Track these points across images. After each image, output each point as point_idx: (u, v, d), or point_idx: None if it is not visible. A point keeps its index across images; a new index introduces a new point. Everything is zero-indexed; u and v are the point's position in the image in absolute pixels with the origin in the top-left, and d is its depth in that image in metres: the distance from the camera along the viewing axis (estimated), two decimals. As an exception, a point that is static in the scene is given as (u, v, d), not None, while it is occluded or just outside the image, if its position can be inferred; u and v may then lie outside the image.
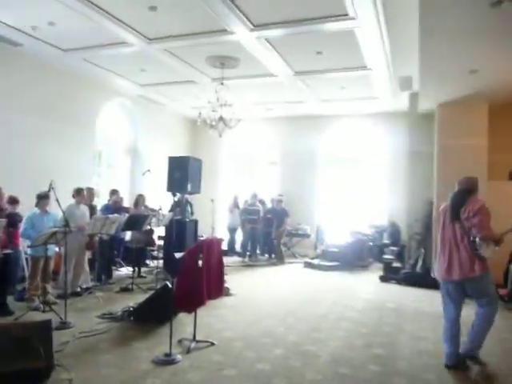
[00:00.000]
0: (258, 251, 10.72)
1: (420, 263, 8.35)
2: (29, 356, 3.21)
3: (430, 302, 6.60)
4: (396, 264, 8.59)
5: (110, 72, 8.76)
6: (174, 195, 7.15)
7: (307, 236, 11.01)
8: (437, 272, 4.31)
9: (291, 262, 10.15)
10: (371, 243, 10.13)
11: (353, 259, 9.59)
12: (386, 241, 10.16)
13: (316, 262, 9.63)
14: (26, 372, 3.16)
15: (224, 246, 10.54)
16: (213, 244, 4.11)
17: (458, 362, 3.86)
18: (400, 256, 9.19)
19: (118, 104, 10.43)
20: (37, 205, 5.55)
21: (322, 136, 11.83)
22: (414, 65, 6.67)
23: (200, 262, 3.87)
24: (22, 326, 3.53)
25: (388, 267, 8.53)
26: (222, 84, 8.07)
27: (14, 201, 5.66)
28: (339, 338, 4.65)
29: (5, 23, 6.43)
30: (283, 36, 6.70)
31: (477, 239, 3.81)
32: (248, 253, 10.42)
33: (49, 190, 4.92)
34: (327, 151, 11.97)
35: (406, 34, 6.40)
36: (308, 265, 9.61)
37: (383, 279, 8.21)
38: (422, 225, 8.67)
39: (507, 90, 7.26)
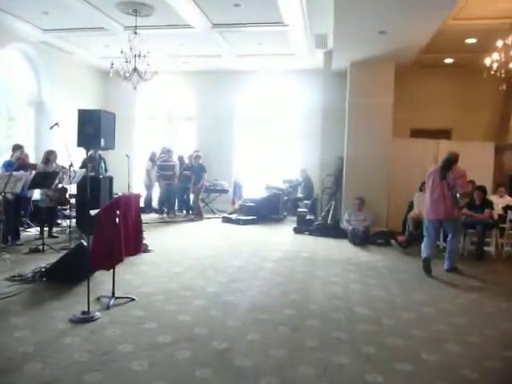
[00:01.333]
0: (176, 207, 10.67)
1: (331, 215, 8.90)
2: None
3: (340, 250, 7.14)
4: (309, 216, 9.07)
5: (6, 14, 7.82)
6: (87, 151, 6.75)
7: (225, 192, 11.14)
8: (426, 213, 5.91)
9: (210, 218, 10.28)
10: (286, 197, 10.54)
11: (268, 213, 9.96)
12: (299, 195, 10.63)
13: (234, 216, 9.85)
14: None
15: (141, 203, 10.38)
16: (130, 200, 4.01)
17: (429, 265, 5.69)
18: (313, 209, 9.70)
19: (17, 50, 9.40)
20: None
21: (240, 92, 11.77)
22: (330, 23, 6.81)
23: (117, 219, 3.78)
24: None
25: (301, 220, 8.98)
26: (136, 33, 7.61)
27: None
28: (257, 287, 4.89)
29: None
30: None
31: (457, 194, 5.55)
32: (165, 209, 10.34)
33: None
34: (244, 107, 11.98)
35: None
36: (226, 220, 9.80)
37: (297, 231, 8.66)
38: (333, 179, 9.18)
39: (412, 49, 7.70)
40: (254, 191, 10.99)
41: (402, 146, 8.66)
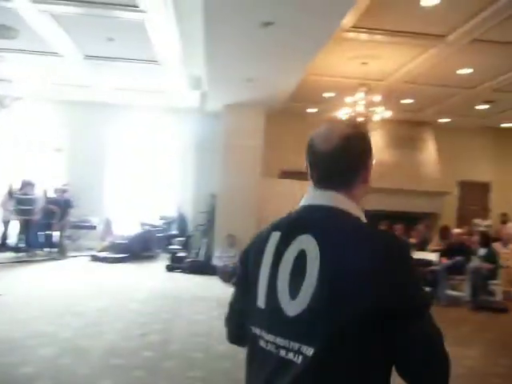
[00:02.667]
0: (37, 245, 9.75)
1: (203, 252, 8.97)
2: None
3: (208, 287, 7.20)
4: (182, 254, 9.02)
5: None
6: None
7: (93, 228, 10.54)
8: None
9: (76, 256, 9.58)
10: (160, 234, 10.36)
11: (140, 250, 9.67)
12: (173, 231, 10.54)
13: (103, 254, 9.34)
14: None
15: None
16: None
17: None
18: (186, 246, 9.68)
19: None
20: None
21: (113, 125, 11.37)
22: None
23: None
24: None
25: (174, 257, 8.88)
26: (-5, 55, 7.06)
27: None
28: (116, 330, 4.67)
29: None
30: (73, 15, 6.24)
31: None
32: (23, 247, 9.38)
33: None
34: (118, 142, 11.63)
35: (196, 36, 6.74)
36: (94, 258, 9.25)
37: (169, 268, 8.52)
38: (206, 216, 9.32)
39: (279, 98, 8.37)
40: (127, 228, 10.60)
41: (271, 185, 9.20)
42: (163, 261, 9.29)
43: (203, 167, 9.51)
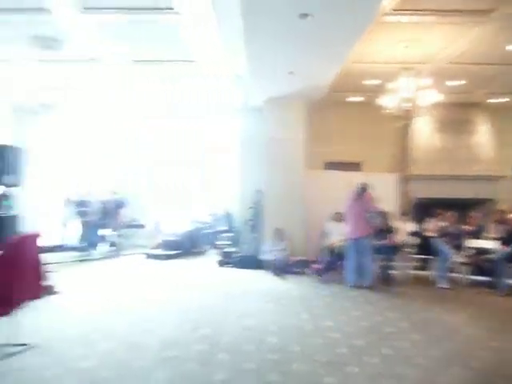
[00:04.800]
0: (95, 244, 10.23)
1: (252, 247, 9.06)
2: None
3: (258, 280, 7.27)
4: (231, 249, 9.16)
5: None
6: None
7: (143, 227, 10.94)
8: (348, 234, 7.00)
9: (130, 254, 9.98)
10: (209, 230, 10.58)
11: (190, 247, 9.93)
12: (221, 227, 10.71)
13: (155, 252, 9.67)
14: None
15: (58, 241, 9.87)
16: (26, 240, 3.82)
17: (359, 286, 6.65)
18: (234, 241, 9.81)
19: None
20: None
21: (158, 127, 11.70)
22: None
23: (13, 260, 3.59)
24: None
25: (223, 252, 9.05)
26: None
27: None
28: (169, 323, 4.82)
29: None
30: (115, 22, 6.47)
31: (371, 214, 6.94)
32: (83, 246, 9.88)
33: None
34: (166, 142, 11.89)
35: (235, 33, 6.79)
36: (148, 255, 9.60)
37: (220, 263, 8.69)
38: (254, 211, 9.40)
39: (320, 88, 8.25)
40: (177, 225, 10.88)
41: (316, 177, 9.11)
42: (212, 256, 9.48)
43: (249, 163, 9.58)
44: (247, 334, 4.49)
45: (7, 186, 6.51)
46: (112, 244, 10.08)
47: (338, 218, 7.78)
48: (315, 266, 7.68)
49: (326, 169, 10.32)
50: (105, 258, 9.56)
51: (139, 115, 11.32)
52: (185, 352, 3.95)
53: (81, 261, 9.17)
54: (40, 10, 6.05)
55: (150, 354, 3.90)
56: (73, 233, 10.23)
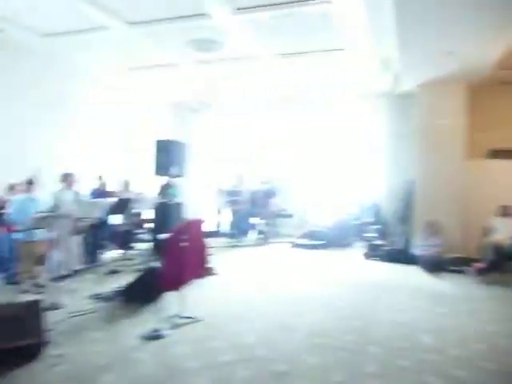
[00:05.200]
0: (245, 232, 10.90)
1: (401, 240, 8.62)
2: (20, 334, 3.37)
3: (408, 276, 6.90)
4: (378, 242, 8.85)
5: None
6: (164, 178, 7.29)
7: (290, 216, 11.22)
8: None
9: (277, 242, 10.37)
10: (355, 222, 10.37)
11: (337, 238, 9.86)
12: (368, 219, 10.40)
13: (302, 241, 9.87)
14: (18, 349, 3.33)
15: (213, 227, 10.80)
16: (192, 225, 4.25)
17: None
18: (381, 234, 9.45)
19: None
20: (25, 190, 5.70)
21: (304, 117, 11.83)
22: (395, 46, 6.77)
23: (181, 243, 4.02)
24: (12, 306, 3.69)
25: (371, 245, 8.79)
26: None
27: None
28: (320, 311, 4.88)
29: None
30: (267, 19, 6.71)
31: None
32: (235, 233, 10.61)
33: (32, 178, 5.06)
34: (312, 133, 12.00)
35: (385, 15, 6.49)
36: (294, 244, 9.86)
37: (367, 256, 8.48)
38: (403, 203, 8.91)
39: (484, 67, 7.39)
40: (323, 216, 10.93)
41: (478, 167, 8.24)
42: (358, 248, 9.29)
43: (398, 153, 9.11)
44: (399, 330, 4.30)
45: (172, 176, 7.29)
46: (260, 232, 10.60)
47: (505, 212, 6.92)
48: (478, 264, 6.96)
49: (488, 157, 9.23)
50: (254, 245, 10.12)
51: (289, 107, 11.60)
52: (335, 341, 3.96)
53: (232, 246, 9.87)
54: (199, 15, 6.60)
55: (300, 338, 4.01)
56: (226, 220, 11.06)
